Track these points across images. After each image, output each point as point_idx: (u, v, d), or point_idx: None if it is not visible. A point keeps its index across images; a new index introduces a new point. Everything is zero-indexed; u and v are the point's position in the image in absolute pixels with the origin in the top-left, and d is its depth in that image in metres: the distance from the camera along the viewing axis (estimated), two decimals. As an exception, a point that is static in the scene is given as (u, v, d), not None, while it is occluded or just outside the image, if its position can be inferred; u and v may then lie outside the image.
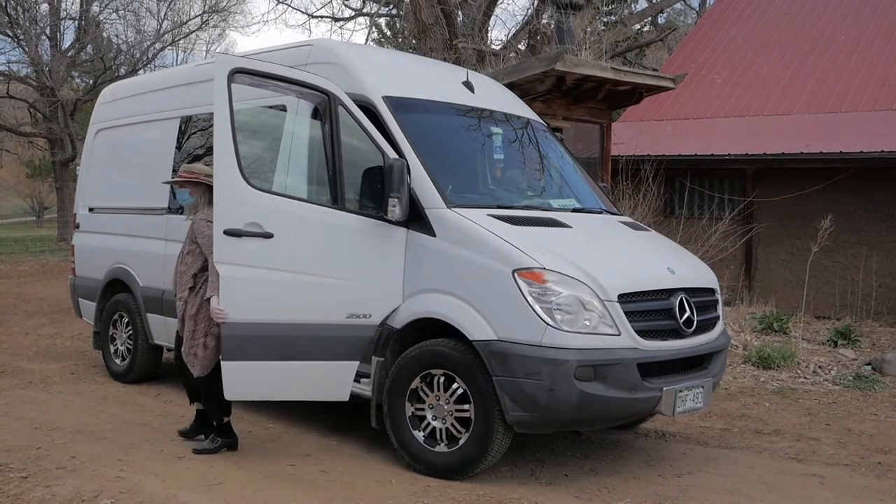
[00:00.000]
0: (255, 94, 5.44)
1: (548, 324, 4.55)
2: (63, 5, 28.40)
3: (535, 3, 16.18)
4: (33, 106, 28.32)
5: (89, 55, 30.01)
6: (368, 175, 5.20)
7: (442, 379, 4.89)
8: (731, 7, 17.81)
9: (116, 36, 31.58)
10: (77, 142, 25.67)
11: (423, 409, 4.97)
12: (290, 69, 5.25)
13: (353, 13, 19.67)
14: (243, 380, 5.01)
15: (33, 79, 27.19)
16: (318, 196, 5.30)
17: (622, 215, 6.39)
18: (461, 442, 4.85)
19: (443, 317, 4.88)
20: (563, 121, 9.88)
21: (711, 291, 5.49)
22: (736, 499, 4.81)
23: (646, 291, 4.90)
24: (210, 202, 5.26)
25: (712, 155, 12.28)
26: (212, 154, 6.54)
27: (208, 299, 5.06)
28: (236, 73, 4.95)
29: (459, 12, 14.80)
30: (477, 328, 4.71)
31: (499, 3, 17.62)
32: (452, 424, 4.88)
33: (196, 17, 30.69)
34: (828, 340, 9.67)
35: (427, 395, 4.96)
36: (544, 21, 14.78)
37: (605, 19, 22.98)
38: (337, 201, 5.15)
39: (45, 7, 27.33)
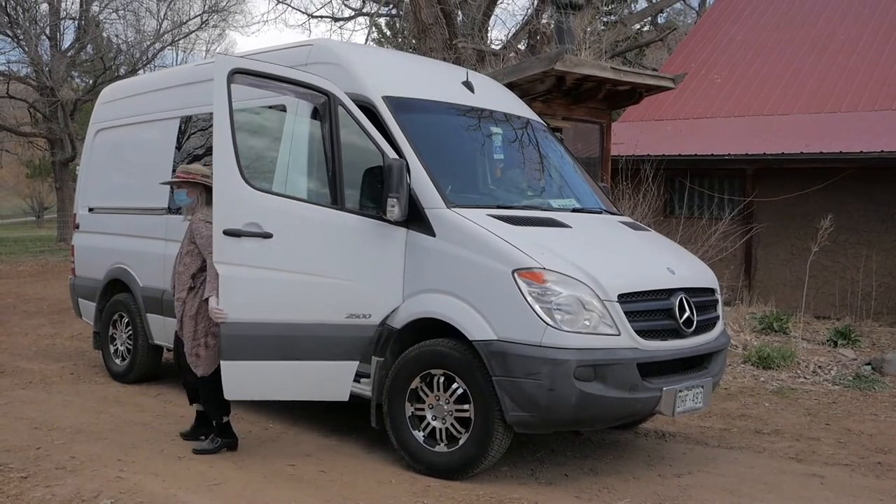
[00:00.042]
0: (254, 94, 5.44)
1: (548, 324, 4.55)
2: (63, 5, 28.42)
3: (535, 3, 16.19)
4: (33, 106, 28.32)
5: (89, 55, 30.02)
6: (368, 175, 5.21)
7: (442, 379, 4.89)
8: (731, 7, 17.82)
9: (116, 36, 31.63)
10: (77, 142, 25.67)
11: (422, 409, 4.98)
12: (290, 69, 5.25)
13: (353, 13, 19.68)
14: (243, 379, 5.02)
15: (33, 79, 27.19)
16: (318, 196, 5.30)
17: (622, 215, 6.39)
18: (461, 442, 4.85)
19: (443, 317, 4.88)
20: (562, 121, 9.88)
21: (711, 291, 5.49)
22: (736, 499, 4.81)
23: (646, 291, 4.90)
24: (207, 202, 5.27)
25: (712, 155, 12.28)
26: (212, 154, 6.58)
27: (206, 299, 5.07)
28: (236, 74, 4.96)
29: (459, 12, 14.80)
30: (477, 328, 4.71)
31: (499, 2, 17.64)
32: (452, 424, 4.88)
33: (196, 17, 30.74)
34: (828, 340, 9.67)
35: (427, 395, 4.96)
36: (544, 21, 14.79)
37: (604, 19, 22.99)
38: (337, 201, 5.15)
39: (44, 7, 27.37)
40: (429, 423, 4.96)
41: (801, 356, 8.75)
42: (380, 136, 5.17)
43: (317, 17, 19.94)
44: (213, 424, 5.38)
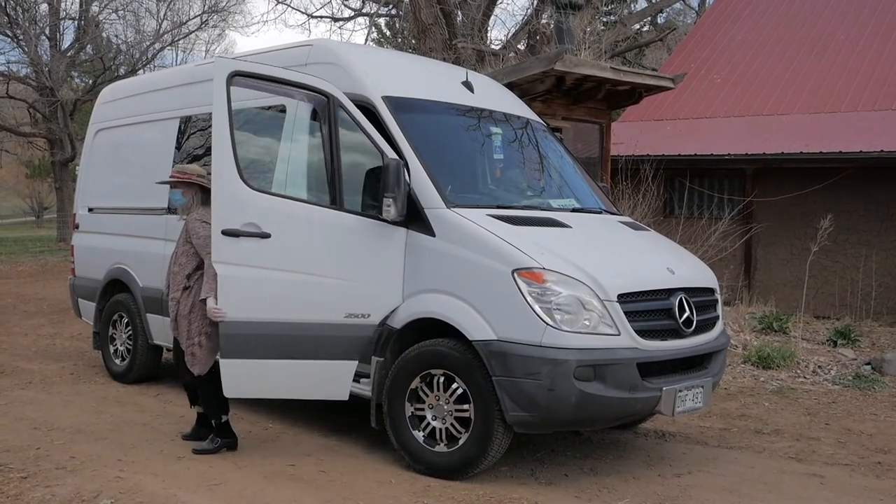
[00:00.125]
0: (254, 95, 5.44)
1: (547, 324, 4.55)
2: (62, 5, 28.42)
3: (535, 3, 16.19)
4: (33, 106, 28.33)
5: (89, 55, 30.02)
6: (368, 176, 5.21)
7: (442, 379, 4.89)
8: (731, 7, 17.82)
9: (116, 36, 31.65)
10: (76, 142, 25.68)
11: (422, 409, 4.98)
12: (289, 71, 5.26)
13: (353, 13, 19.68)
14: (242, 377, 5.05)
15: (33, 79, 27.19)
16: (317, 196, 5.30)
17: (622, 215, 6.39)
18: (461, 442, 4.85)
19: (442, 317, 4.88)
20: (562, 121, 9.88)
21: (711, 291, 5.49)
22: (736, 499, 4.81)
23: (645, 291, 4.90)
24: (203, 202, 5.30)
25: (712, 155, 12.28)
26: (211, 154, 6.58)
27: (203, 300, 5.08)
28: (235, 76, 4.98)
29: (459, 12, 14.80)
30: (477, 328, 4.71)
31: (498, 3, 17.65)
32: (452, 424, 4.88)
33: (195, 17, 30.75)
34: (827, 340, 9.67)
35: (427, 395, 4.96)
36: (544, 21, 14.79)
37: (604, 19, 23.00)
38: (336, 202, 5.15)
39: (44, 7, 27.38)
40: (429, 423, 4.96)
41: (801, 356, 8.75)
42: (379, 136, 5.18)
43: (316, 17, 19.94)
44: (213, 424, 5.38)
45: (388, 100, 5.42)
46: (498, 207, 5.33)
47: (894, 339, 10.31)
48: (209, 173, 5.39)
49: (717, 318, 5.48)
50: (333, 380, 5.18)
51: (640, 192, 10.53)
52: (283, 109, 5.68)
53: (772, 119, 13.61)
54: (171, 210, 6.81)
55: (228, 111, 4.91)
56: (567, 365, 4.51)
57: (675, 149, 12.53)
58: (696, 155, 12.33)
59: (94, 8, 28.49)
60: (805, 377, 8.24)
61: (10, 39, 26.40)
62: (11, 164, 50.05)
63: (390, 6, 20.04)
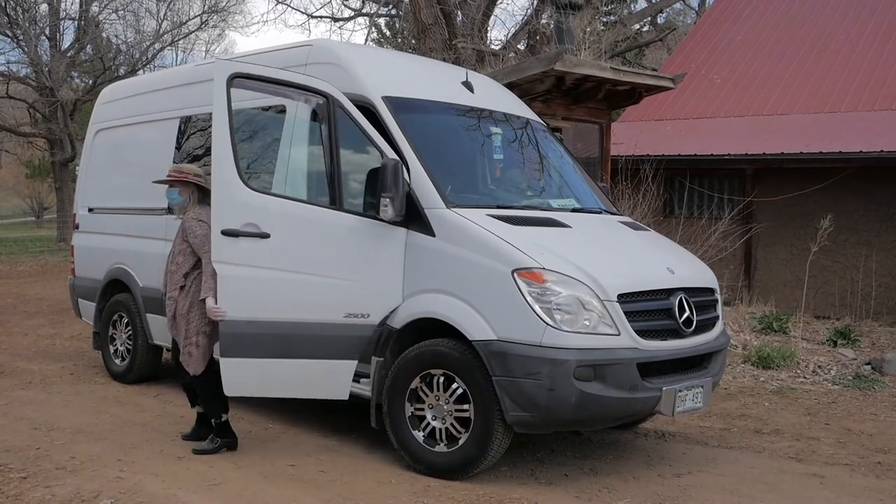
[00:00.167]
0: (253, 95, 5.46)
1: (547, 324, 4.55)
2: (62, 6, 28.44)
3: (535, 3, 16.20)
4: (33, 106, 28.33)
5: (89, 55, 30.03)
6: (368, 176, 5.21)
7: (441, 379, 4.89)
8: (731, 7, 17.82)
9: (116, 36, 31.66)
10: (76, 142, 25.68)
11: (422, 409, 4.98)
12: (289, 73, 5.27)
13: (353, 13, 19.69)
14: (242, 376, 5.07)
15: (33, 79, 27.20)
16: (317, 197, 5.32)
17: (622, 215, 6.39)
18: (461, 442, 4.85)
19: (442, 317, 4.88)
20: (562, 121, 9.88)
21: (711, 291, 5.49)
22: (736, 499, 4.81)
23: (645, 291, 4.90)
24: (199, 201, 5.34)
25: (712, 155, 12.28)
26: (211, 154, 6.58)
27: (203, 299, 5.09)
28: (236, 78, 5.01)
29: (459, 12, 14.81)
30: (476, 328, 4.71)
31: (498, 3, 17.65)
32: (452, 424, 4.88)
33: (195, 17, 30.76)
34: (827, 340, 9.67)
35: (427, 396, 4.96)
36: (544, 21, 14.79)
37: (604, 19, 23.00)
38: (335, 202, 5.16)
39: (44, 7, 27.39)
40: (429, 423, 4.96)
41: (801, 356, 8.75)
42: (379, 136, 5.18)
43: (316, 17, 19.94)
44: (213, 424, 5.38)
45: (388, 100, 5.42)
46: (498, 207, 5.33)
47: (894, 339, 10.31)
48: (207, 173, 5.41)
49: (716, 318, 5.48)
50: (333, 379, 5.18)
51: (640, 192, 10.53)
52: (282, 110, 5.69)
53: (772, 119, 13.61)
54: (170, 210, 6.81)
55: (229, 113, 4.95)
56: (567, 365, 4.50)
57: (675, 149, 12.53)
58: (696, 155, 12.33)
59: (94, 8, 28.52)
60: (805, 377, 8.24)
61: (10, 39, 26.43)
62: (11, 165, 50.07)
63: (390, 6, 20.04)
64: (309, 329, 5.08)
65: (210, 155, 6.56)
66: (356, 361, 5.19)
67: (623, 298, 4.73)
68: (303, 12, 37.66)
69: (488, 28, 16.60)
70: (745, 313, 10.52)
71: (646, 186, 10.52)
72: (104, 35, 30.05)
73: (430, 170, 5.15)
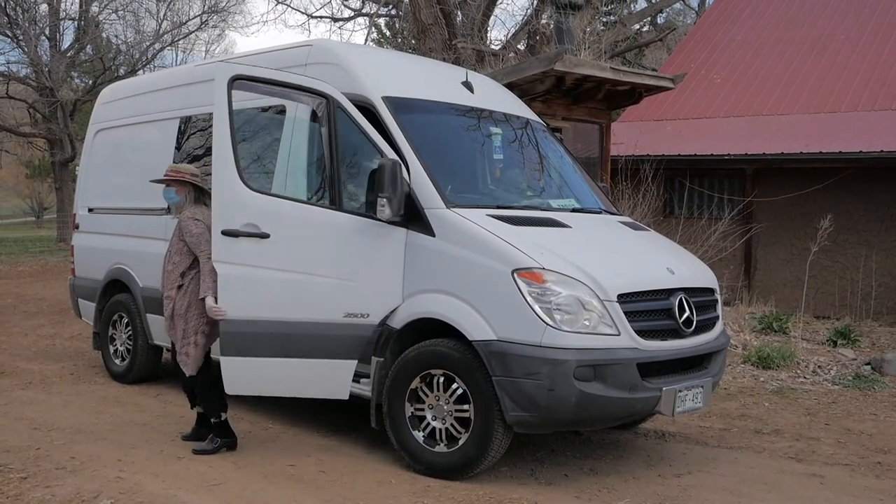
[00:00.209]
0: (253, 96, 5.46)
1: (547, 324, 4.55)
2: (62, 6, 28.44)
3: (535, 3, 16.19)
4: (33, 106, 28.33)
5: (89, 55, 30.04)
6: (369, 176, 5.21)
7: (441, 379, 4.89)
8: (731, 7, 17.82)
9: (116, 36, 31.67)
10: (76, 142, 25.69)
11: (422, 410, 4.98)
12: (290, 74, 5.29)
13: (353, 13, 19.69)
14: (243, 375, 5.10)
15: (33, 79, 27.20)
16: (317, 197, 5.34)
17: (621, 215, 6.39)
18: (461, 442, 4.85)
19: (442, 317, 4.88)
20: (562, 121, 9.88)
21: (711, 291, 5.49)
22: (736, 499, 4.81)
23: (645, 291, 4.90)
24: (195, 201, 5.37)
25: (712, 155, 12.28)
26: (211, 154, 6.58)
27: (202, 298, 5.10)
28: (237, 80, 5.04)
29: (459, 12, 14.81)
30: (476, 328, 4.71)
31: (498, 3, 17.66)
32: (452, 424, 4.88)
33: (195, 17, 30.77)
34: (827, 340, 9.67)
35: (427, 396, 4.96)
36: (544, 21, 14.80)
37: (604, 19, 23.00)
38: (335, 202, 5.17)
39: (44, 7, 27.39)
40: (429, 424, 4.96)
41: (801, 356, 8.75)
42: (379, 136, 5.18)
43: (316, 17, 19.95)
44: (212, 423, 5.38)
45: (388, 100, 5.42)
46: (498, 207, 5.33)
47: (894, 339, 10.31)
48: (206, 174, 5.42)
49: (716, 318, 5.48)
50: (333, 379, 5.19)
51: (640, 192, 10.53)
52: (282, 111, 5.69)
53: (772, 119, 13.61)
54: (170, 210, 6.82)
55: (230, 114, 4.99)
56: (567, 365, 4.50)
57: (675, 149, 12.53)
58: (696, 155, 12.33)
59: (94, 8, 28.52)
60: (805, 377, 8.24)
61: (9, 40, 26.43)
62: (11, 165, 50.08)
63: (390, 6, 20.04)
64: (309, 329, 5.09)
65: (210, 155, 6.58)
66: (356, 361, 5.19)
67: (623, 298, 4.73)
68: (303, 12, 37.73)
69: (488, 28, 16.61)
70: (745, 313, 10.52)
71: (646, 186, 10.52)
72: (104, 35, 30.07)
73: (429, 170, 5.15)
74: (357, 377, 5.23)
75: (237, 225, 5.00)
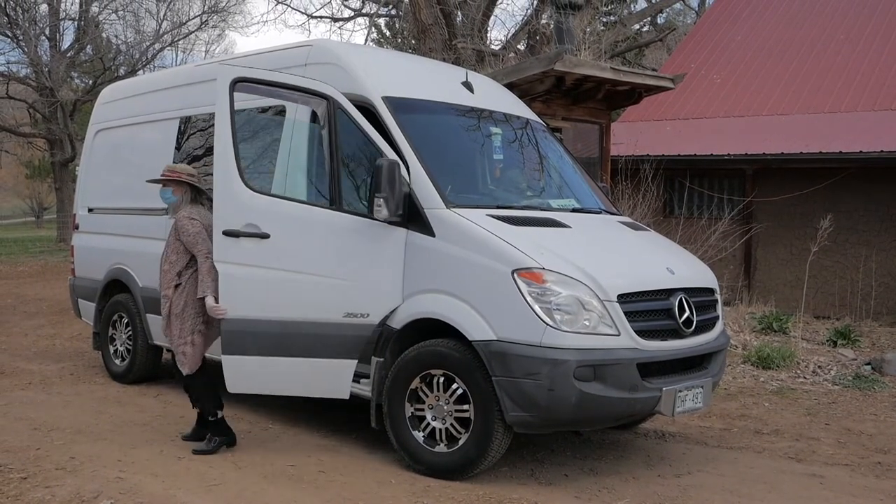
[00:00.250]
0: (253, 96, 5.46)
1: (547, 324, 4.55)
2: (62, 6, 28.42)
3: (535, 3, 16.20)
4: (32, 106, 28.32)
5: (88, 56, 30.04)
6: (367, 177, 5.22)
7: (441, 379, 4.89)
8: (731, 7, 17.82)
9: (116, 36, 31.66)
10: (76, 142, 25.67)
11: (422, 410, 4.98)
12: (291, 76, 5.32)
13: (353, 14, 19.71)
14: (244, 374, 5.15)
15: (33, 79, 27.19)
16: (317, 197, 5.35)
17: (621, 215, 6.39)
18: (461, 442, 4.85)
19: (442, 317, 4.88)
20: (562, 121, 9.88)
21: (711, 291, 5.49)
22: (736, 499, 4.81)
23: (645, 291, 4.90)
24: (192, 201, 5.40)
25: (712, 155, 12.28)
26: (211, 154, 6.58)
27: (201, 298, 5.11)
28: (239, 82, 5.08)
29: (459, 12, 14.81)
30: (476, 328, 4.71)
31: (498, 3, 17.66)
32: (452, 425, 4.88)
33: (195, 17, 30.75)
34: (827, 340, 9.67)
35: (427, 396, 4.96)
36: (543, 21, 14.80)
37: (604, 19, 23.01)
38: (335, 202, 5.19)
39: (44, 8, 27.37)
40: (429, 424, 4.96)
41: (801, 356, 8.74)
42: (379, 137, 5.19)
43: (316, 17, 19.98)
44: (209, 421, 5.38)
45: (388, 100, 5.42)
46: (498, 207, 5.33)
47: (894, 339, 10.31)
48: (206, 174, 5.43)
49: (716, 318, 5.48)
50: (334, 378, 5.20)
51: (640, 192, 10.52)
52: (282, 111, 5.70)
53: (772, 119, 13.61)
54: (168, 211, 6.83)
55: (231, 116, 5.05)
56: (567, 365, 4.50)
57: (674, 149, 12.53)
58: (695, 155, 12.33)
59: (94, 8, 28.50)
60: (805, 377, 8.24)
61: (9, 40, 26.42)
62: (11, 165, 50.07)
63: (390, 6, 20.06)
64: (309, 328, 5.11)
65: (210, 155, 6.59)
66: (356, 361, 5.20)
67: (623, 298, 4.73)
68: (303, 12, 37.77)
69: (488, 28, 16.61)
70: (744, 313, 10.52)
71: (646, 186, 10.52)
72: (104, 35, 30.07)
73: (429, 170, 5.15)
74: (357, 377, 5.24)
75: (238, 225, 5.05)
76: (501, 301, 4.67)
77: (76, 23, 28.68)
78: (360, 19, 19.99)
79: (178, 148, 7.01)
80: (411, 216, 5.05)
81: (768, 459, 5.67)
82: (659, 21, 26.71)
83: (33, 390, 7.17)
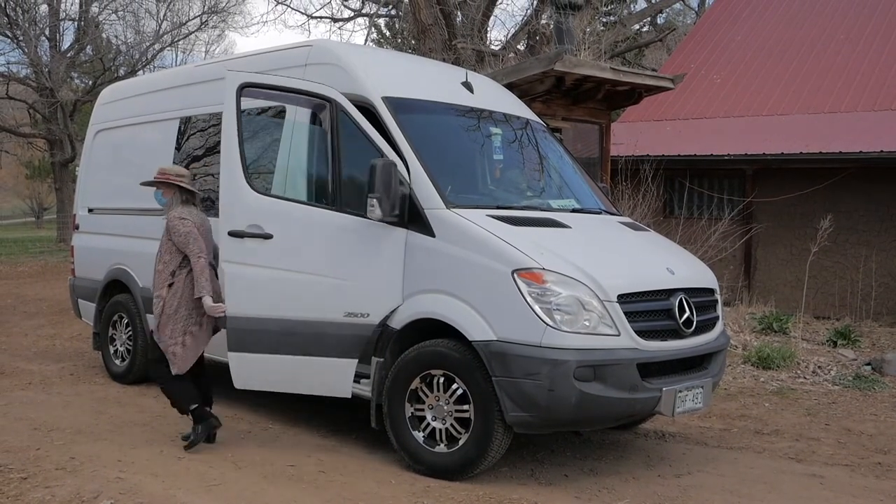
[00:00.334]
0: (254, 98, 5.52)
1: (547, 324, 4.55)
2: (62, 6, 28.41)
3: (535, 3, 16.20)
4: (32, 107, 28.32)
5: (88, 56, 30.02)
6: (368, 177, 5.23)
7: (441, 379, 4.89)
8: (731, 7, 17.82)
9: (116, 37, 31.64)
10: (76, 143, 25.67)
11: (422, 410, 4.98)
12: (295, 80, 5.41)
13: (353, 14, 19.71)
14: (249, 370, 5.26)
15: (33, 80, 27.18)
16: (317, 198, 5.38)
17: (621, 215, 6.40)
18: (461, 442, 4.85)
19: (442, 317, 4.88)
20: (562, 121, 9.88)
21: (711, 292, 5.49)
22: (736, 499, 4.81)
23: (645, 292, 4.90)
24: (182, 202, 5.46)
25: (712, 155, 12.28)
26: (211, 155, 6.60)
27: (198, 298, 5.14)
28: (245, 87, 5.21)
29: (458, 13, 14.81)
30: (476, 328, 4.71)
31: (498, 3, 17.67)
32: (452, 425, 4.88)
33: (195, 17, 30.74)
34: (827, 340, 9.67)
35: (427, 396, 4.96)
36: (543, 21, 14.80)
37: (604, 19, 23.00)
38: (336, 203, 5.22)
39: (44, 8, 27.35)
40: (429, 424, 4.96)
41: (801, 356, 8.74)
42: (380, 137, 5.20)
43: (316, 17, 19.97)
44: (189, 416, 5.38)
45: (388, 100, 5.43)
46: (498, 208, 5.34)
47: (894, 339, 10.31)
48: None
49: (716, 318, 5.48)
50: (335, 377, 5.22)
51: (640, 192, 10.53)
52: (283, 112, 5.71)
53: (772, 119, 13.61)
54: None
55: (238, 121, 5.17)
56: (567, 365, 4.50)
57: (674, 149, 12.53)
58: (695, 155, 12.32)
59: (94, 9, 28.49)
60: (805, 377, 8.24)
61: (9, 40, 26.41)
62: (11, 165, 50.07)
63: (390, 6, 20.06)
64: (311, 327, 5.16)
65: (210, 155, 6.61)
66: (357, 360, 5.22)
67: (623, 299, 4.73)
68: (302, 13, 37.81)
69: (488, 28, 16.62)
70: (745, 313, 10.52)
71: (646, 187, 10.52)
72: (104, 35, 30.06)
73: (429, 170, 5.16)
74: (357, 377, 5.25)
75: (242, 226, 5.16)
76: (501, 301, 4.67)
77: (76, 23, 28.68)
78: (360, 19, 20.01)
79: (178, 148, 7.01)
80: (411, 216, 5.06)
81: (768, 459, 5.67)
82: (659, 21, 26.71)
83: (33, 390, 7.17)
